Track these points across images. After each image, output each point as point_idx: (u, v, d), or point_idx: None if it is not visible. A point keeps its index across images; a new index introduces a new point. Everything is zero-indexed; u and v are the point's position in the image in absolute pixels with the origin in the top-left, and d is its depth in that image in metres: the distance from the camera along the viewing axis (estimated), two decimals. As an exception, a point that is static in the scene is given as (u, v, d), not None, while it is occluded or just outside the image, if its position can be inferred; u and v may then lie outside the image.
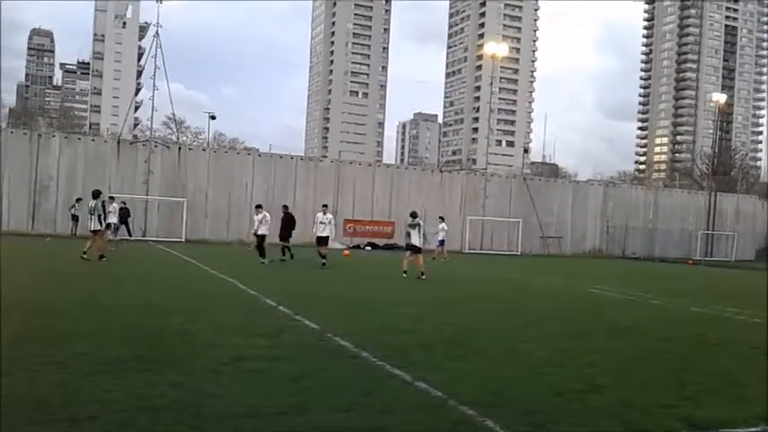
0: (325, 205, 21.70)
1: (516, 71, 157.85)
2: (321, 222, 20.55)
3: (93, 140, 38.62)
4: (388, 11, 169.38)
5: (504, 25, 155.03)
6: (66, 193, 31.03)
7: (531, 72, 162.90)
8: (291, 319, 9.47)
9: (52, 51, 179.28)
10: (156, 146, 35.36)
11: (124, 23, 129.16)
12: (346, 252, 29.36)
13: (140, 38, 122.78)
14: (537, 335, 9.28)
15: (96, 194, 18.20)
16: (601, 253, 42.60)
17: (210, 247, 29.43)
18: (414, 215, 18.42)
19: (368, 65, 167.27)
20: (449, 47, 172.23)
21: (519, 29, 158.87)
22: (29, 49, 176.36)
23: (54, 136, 35.03)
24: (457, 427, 4.82)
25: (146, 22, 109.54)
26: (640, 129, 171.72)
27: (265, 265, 19.43)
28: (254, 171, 35.78)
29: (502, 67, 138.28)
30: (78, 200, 30.20)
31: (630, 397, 5.92)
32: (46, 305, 9.72)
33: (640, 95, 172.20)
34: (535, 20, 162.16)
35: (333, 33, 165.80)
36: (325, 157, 78.79)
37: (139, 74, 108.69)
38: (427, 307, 11.84)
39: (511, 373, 6.64)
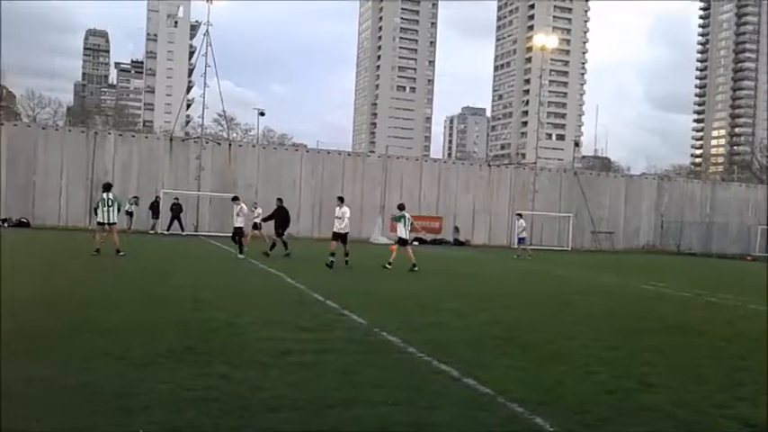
0: (340, 198, 18.80)
1: (567, 63, 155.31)
2: (337, 217, 18.15)
3: (147, 138, 39.58)
4: (435, 5, 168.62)
5: (554, 17, 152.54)
6: (121, 190, 31.76)
7: (582, 64, 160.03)
8: (339, 313, 9.51)
9: (107, 51, 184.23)
10: (207, 142, 36.00)
11: (176, 23, 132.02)
12: (393, 247, 29.34)
13: (191, 37, 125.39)
14: (587, 332, 9.09)
15: (108, 187, 18.20)
16: (655, 248, 41.59)
17: (260, 241, 29.78)
18: (400, 207, 18.72)
19: (415, 59, 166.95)
20: (497, 39, 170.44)
21: (569, 20, 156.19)
22: (85, 49, 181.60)
23: (110, 134, 36.03)
24: (506, 424, 4.76)
25: (196, 21, 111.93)
26: (696, 121, 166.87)
27: (242, 260, 18.60)
28: (302, 167, 36.11)
29: (552, 59, 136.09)
30: (135, 197, 31.02)
31: (684, 396, 5.74)
32: (99, 298, 9.99)
33: (696, 86, 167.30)
34: (586, 11, 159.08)
35: (380, 29, 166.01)
36: (373, 152, 79.03)
37: (191, 72, 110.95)
38: (474, 303, 11.74)
39: (560, 371, 6.52)
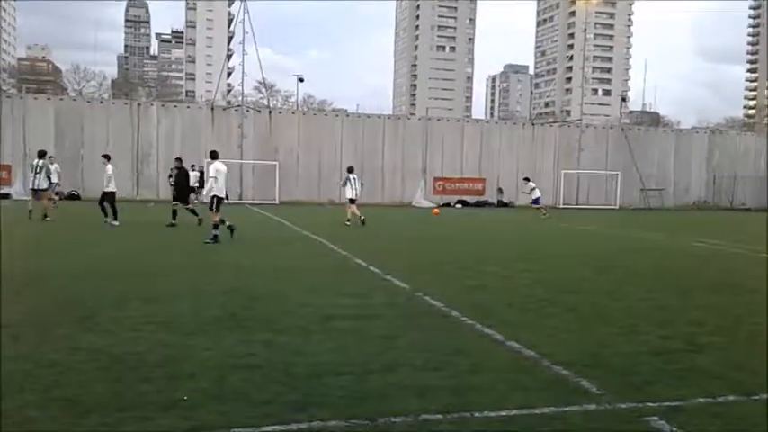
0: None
1: (612, 15, 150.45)
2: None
3: (189, 107, 40.00)
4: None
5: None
6: (166, 160, 32.36)
7: (629, 16, 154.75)
8: (381, 278, 9.51)
9: (148, 22, 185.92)
10: (248, 111, 36.20)
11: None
12: (436, 210, 29.27)
13: (229, 4, 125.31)
14: (634, 292, 8.90)
15: (42, 154, 18.69)
16: (707, 205, 40.50)
17: (302, 208, 30.05)
18: (349, 170, 20.40)
19: (455, 18, 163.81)
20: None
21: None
22: (126, 21, 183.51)
23: (152, 105, 36.51)
24: (551, 387, 4.69)
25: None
26: (749, 71, 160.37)
27: (109, 225, 17.17)
28: (343, 132, 36.08)
29: (596, 12, 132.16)
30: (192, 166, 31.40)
31: (737, 357, 5.58)
32: (144, 267, 10.20)
33: (749, 35, 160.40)
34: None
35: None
36: (413, 114, 78.43)
37: (230, 40, 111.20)
38: (517, 264, 11.61)
39: (606, 332, 6.40)
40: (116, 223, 17.30)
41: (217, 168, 14.05)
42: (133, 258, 11.25)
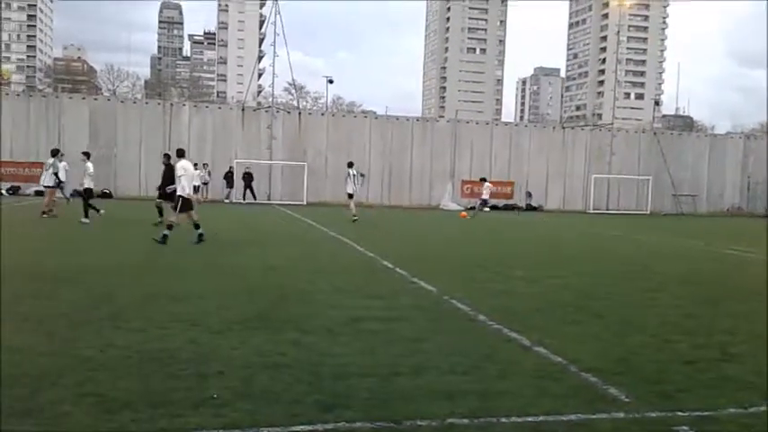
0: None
1: (646, 18, 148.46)
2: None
3: (220, 108, 40.43)
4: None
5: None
6: (197, 160, 32.72)
7: (663, 18, 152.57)
8: (409, 281, 9.51)
9: (181, 23, 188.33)
10: (277, 112, 36.48)
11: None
12: (463, 213, 29.17)
13: (261, 5, 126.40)
14: (664, 299, 8.79)
15: (54, 153, 19.26)
16: (741, 211, 39.74)
17: (330, 208, 30.13)
18: (349, 165, 21.85)
19: (485, 20, 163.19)
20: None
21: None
22: (159, 22, 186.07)
23: (184, 105, 36.99)
24: (578, 393, 4.65)
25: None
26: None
27: (86, 224, 16.90)
28: (371, 133, 36.14)
29: (630, 15, 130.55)
30: (205, 164, 31.82)
31: (771, 368, 5.46)
32: (174, 265, 10.33)
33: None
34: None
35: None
36: (442, 116, 78.24)
37: (261, 42, 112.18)
38: (545, 269, 11.52)
39: (636, 340, 6.32)
40: (87, 221, 17.17)
41: (184, 167, 13.29)
42: (157, 257, 11.40)
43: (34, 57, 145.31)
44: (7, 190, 30.88)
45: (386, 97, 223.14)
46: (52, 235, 14.95)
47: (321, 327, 6.34)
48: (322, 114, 39.67)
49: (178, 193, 13.19)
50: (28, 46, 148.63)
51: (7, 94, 36.53)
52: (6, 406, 3.96)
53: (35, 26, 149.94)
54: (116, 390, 4.33)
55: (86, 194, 17.85)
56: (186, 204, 13.20)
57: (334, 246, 14.73)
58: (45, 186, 19.18)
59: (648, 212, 37.01)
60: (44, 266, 9.59)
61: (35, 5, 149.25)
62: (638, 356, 5.69)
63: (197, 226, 13.28)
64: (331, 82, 49.32)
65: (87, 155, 18.60)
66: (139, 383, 4.50)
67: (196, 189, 19.68)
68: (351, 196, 20.71)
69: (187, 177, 13.32)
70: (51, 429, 3.71)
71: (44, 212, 18.44)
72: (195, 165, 30.74)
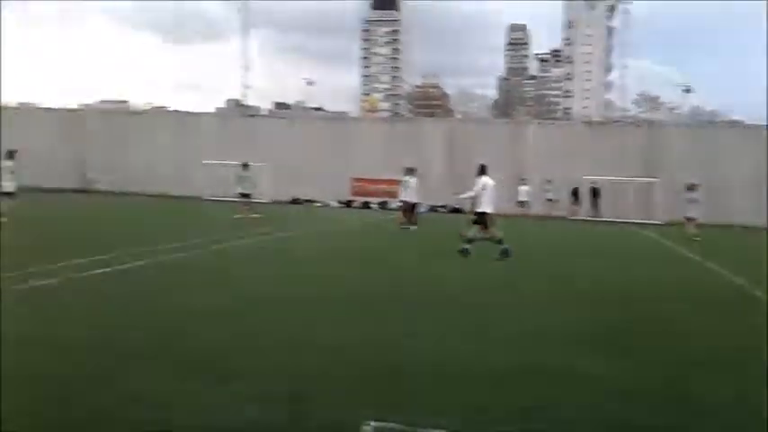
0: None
1: None
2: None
3: (566, 125, 40.22)
4: None
5: None
6: (541, 176, 32.97)
7: None
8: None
9: (526, 44, 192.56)
10: (625, 125, 34.88)
11: (593, 6, 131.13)
12: None
13: (608, 18, 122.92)
14: None
15: (409, 171, 21.16)
16: None
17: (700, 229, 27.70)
18: (408, 171, 21.20)
19: None
20: None
21: None
22: (507, 44, 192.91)
23: (531, 123, 37.65)
24: None
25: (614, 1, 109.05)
26: None
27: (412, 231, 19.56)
28: (745, 146, 32.03)
29: None
30: (549, 181, 31.81)
31: None
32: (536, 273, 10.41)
33: None
34: None
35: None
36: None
37: (608, 54, 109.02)
38: None
39: None
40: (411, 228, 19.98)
41: (484, 183, 13.82)
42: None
43: (399, 86, 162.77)
44: (378, 204, 34.97)
45: (756, 104, 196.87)
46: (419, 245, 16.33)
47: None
48: (676, 126, 36.76)
49: (476, 210, 13.83)
50: (393, 77, 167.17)
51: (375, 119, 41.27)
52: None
53: (398, 59, 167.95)
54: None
55: (407, 207, 20.81)
56: (485, 219, 13.68)
57: (693, 269, 13.33)
58: (401, 201, 21.40)
59: None
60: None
61: (398, 39, 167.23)
62: None
63: (500, 241, 13.49)
64: (688, 91, 45.55)
65: (411, 170, 21.29)
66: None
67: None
68: (690, 219, 19.67)
69: (486, 194, 13.74)
70: None
71: (402, 224, 20.69)
72: (523, 180, 31.20)
